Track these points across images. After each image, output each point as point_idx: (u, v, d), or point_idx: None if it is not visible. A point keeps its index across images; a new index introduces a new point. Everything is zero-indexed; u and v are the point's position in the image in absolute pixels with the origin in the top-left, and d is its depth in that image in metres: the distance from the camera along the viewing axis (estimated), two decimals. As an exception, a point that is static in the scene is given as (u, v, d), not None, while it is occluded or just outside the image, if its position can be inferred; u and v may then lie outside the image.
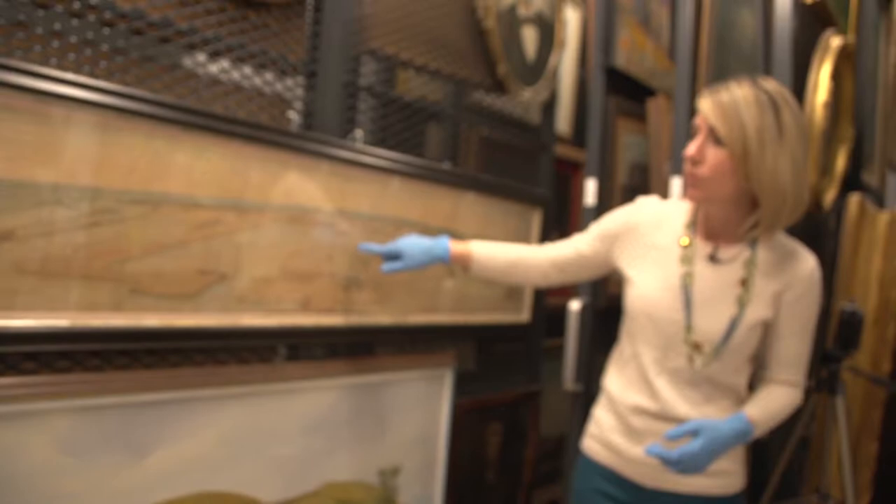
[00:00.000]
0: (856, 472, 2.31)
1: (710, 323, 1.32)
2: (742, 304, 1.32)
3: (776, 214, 1.28)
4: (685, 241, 1.37)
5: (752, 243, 1.34)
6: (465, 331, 1.99)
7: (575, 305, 2.12)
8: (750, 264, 1.33)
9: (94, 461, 1.17)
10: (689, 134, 1.35)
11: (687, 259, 1.35)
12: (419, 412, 1.79)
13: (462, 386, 1.99)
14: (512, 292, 2.10)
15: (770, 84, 1.29)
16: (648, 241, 1.41)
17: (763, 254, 1.34)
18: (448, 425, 1.85)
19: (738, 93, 1.26)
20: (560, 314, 2.33)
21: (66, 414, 1.13)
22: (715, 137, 1.26)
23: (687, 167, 1.31)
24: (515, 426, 2.19)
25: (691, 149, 1.30)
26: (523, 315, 2.17)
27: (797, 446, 2.28)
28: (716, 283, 1.33)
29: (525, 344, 2.27)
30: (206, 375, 1.32)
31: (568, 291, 2.87)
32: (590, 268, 1.53)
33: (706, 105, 1.29)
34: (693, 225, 1.39)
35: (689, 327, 1.32)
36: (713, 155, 1.27)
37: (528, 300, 2.17)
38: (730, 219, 1.33)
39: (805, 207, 1.31)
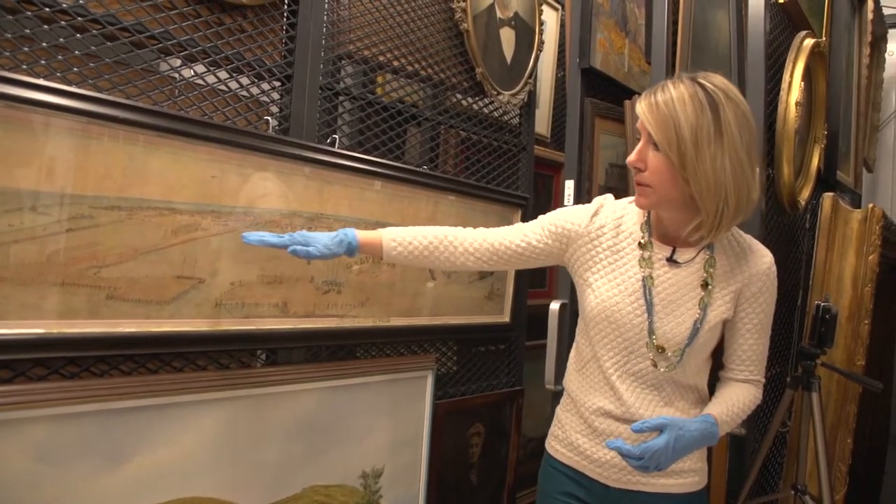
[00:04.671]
0: (832, 467, 2.34)
1: (673, 326, 1.30)
2: (704, 306, 1.30)
3: (719, 216, 1.23)
4: (643, 242, 1.34)
5: (709, 244, 1.32)
6: (446, 332, 1.99)
7: (555, 305, 2.13)
8: (709, 266, 1.31)
9: (72, 469, 1.16)
10: (636, 139, 1.30)
11: (646, 262, 1.33)
12: (401, 414, 1.79)
13: (443, 387, 1.99)
14: (493, 293, 2.11)
15: (713, 80, 1.24)
16: (606, 244, 1.37)
17: (721, 254, 1.33)
18: (429, 427, 1.86)
19: (674, 93, 1.22)
20: (540, 315, 2.34)
21: (43, 422, 1.12)
22: (654, 141, 1.23)
23: (634, 174, 1.28)
24: (498, 427, 2.20)
25: (632, 155, 1.26)
26: (504, 316, 2.18)
27: (774, 442, 2.31)
28: (677, 285, 1.31)
29: (506, 345, 2.28)
30: (184, 381, 1.32)
31: (549, 293, 2.89)
32: (536, 260, 1.44)
33: (641, 109, 1.24)
34: (648, 227, 1.36)
35: (651, 331, 1.30)
36: (653, 160, 1.24)
37: (508, 301, 2.18)
38: (680, 222, 1.30)
39: (755, 206, 1.28)
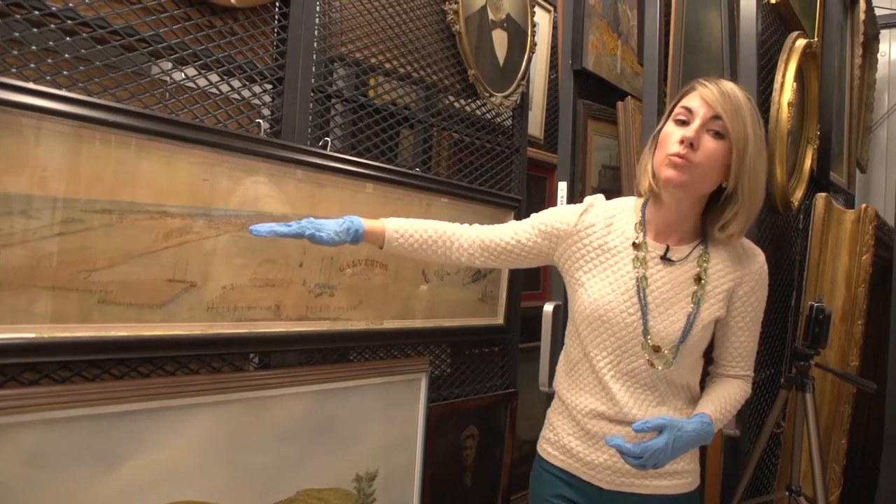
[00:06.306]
0: (826, 468, 2.34)
1: (668, 325, 1.30)
2: (697, 300, 1.31)
3: (751, 217, 1.30)
4: (637, 242, 1.35)
5: (704, 241, 1.34)
6: (440, 335, 1.99)
7: (549, 307, 2.13)
8: (703, 261, 1.33)
9: (64, 474, 1.15)
10: (675, 118, 1.28)
11: (640, 261, 1.33)
12: (394, 417, 1.79)
13: (437, 390, 1.99)
14: (486, 295, 2.11)
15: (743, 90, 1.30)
16: (597, 243, 1.37)
17: (715, 251, 1.34)
18: (423, 430, 1.86)
19: (737, 92, 1.26)
20: (534, 317, 2.34)
21: (34, 427, 1.12)
22: (717, 129, 1.24)
23: (678, 149, 1.24)
24: (492, 429, 2.20)
25: (690, 132, 1.23)
26: (498, 318, 2.18)
27: (768, 443, 2.31)
28: (670, 283, 1.32)
29: (500, 347, 2.28)
30: (176, 385, 1.31)
31: (543, 294, 2.89)
32: (526, 259, 1.45)
33: (713, 95, 1.24)
34: (643, 225, 1.37)
35: (646, 332, 1.31)
36: (711, 145, 1.24)
37: (502, 303, 2.18)
38: (687, 216, 1.33)
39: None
